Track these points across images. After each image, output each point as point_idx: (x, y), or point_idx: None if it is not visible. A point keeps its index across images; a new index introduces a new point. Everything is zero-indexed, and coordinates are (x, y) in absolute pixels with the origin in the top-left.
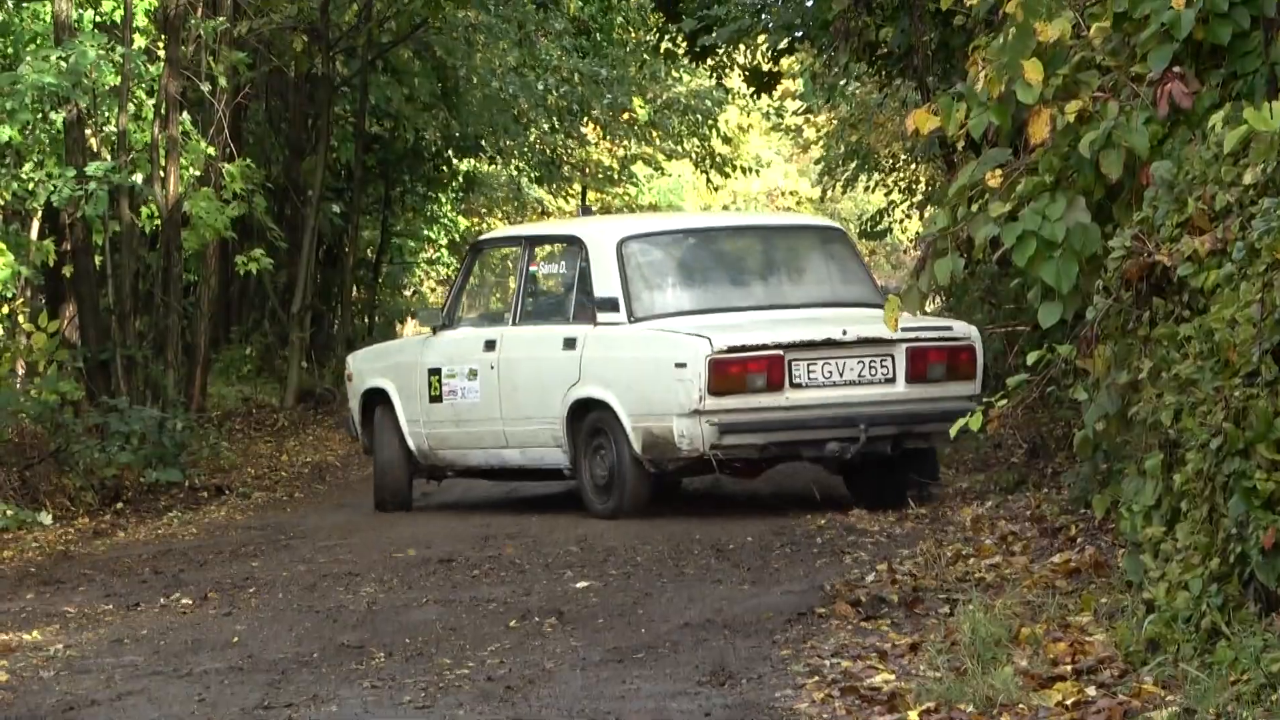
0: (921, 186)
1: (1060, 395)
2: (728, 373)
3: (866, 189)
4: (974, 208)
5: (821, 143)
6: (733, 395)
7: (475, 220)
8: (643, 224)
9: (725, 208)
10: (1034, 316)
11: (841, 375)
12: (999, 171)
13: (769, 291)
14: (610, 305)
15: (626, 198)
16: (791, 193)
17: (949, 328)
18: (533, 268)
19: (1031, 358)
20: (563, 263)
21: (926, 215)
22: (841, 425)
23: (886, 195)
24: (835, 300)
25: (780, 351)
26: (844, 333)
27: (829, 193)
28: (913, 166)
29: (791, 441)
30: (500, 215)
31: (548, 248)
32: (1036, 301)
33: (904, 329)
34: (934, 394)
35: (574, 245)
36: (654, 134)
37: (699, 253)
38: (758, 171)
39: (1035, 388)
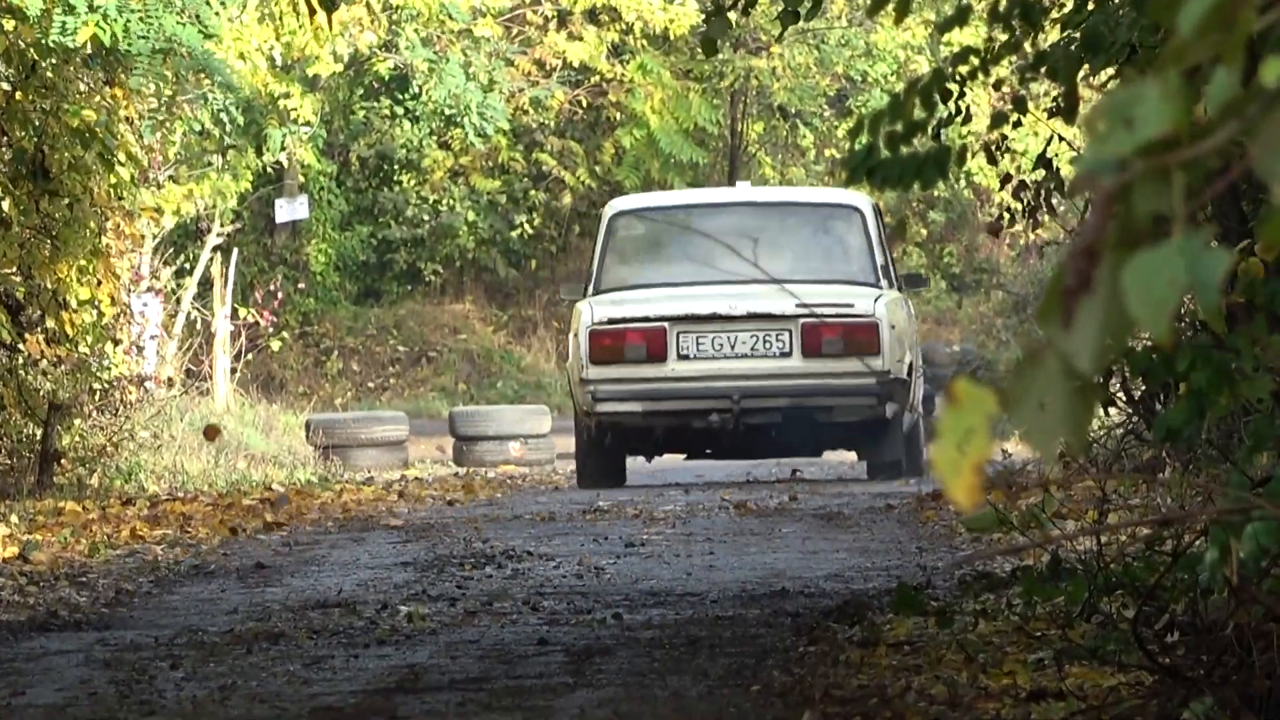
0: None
1: None
2: (603, 344)
3: (846, 22)
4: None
5: None
6: (613, 365)
7: None
8: (639, 200)
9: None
10: None
11: (733, 349)
12: None
13: (735, 267)
14: (586, 277)
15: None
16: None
17: (850, 304)
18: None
19: None
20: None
21: (1090, 107)
22: (719, 398)
23: (933, 37)
24: (814, 278)
25: (662, 324)
26: (731, 307)
27: (733, 37)
28: None
29: (673, 411)
30: None
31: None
32: None
33: (798, 305)
34: (831, 369)
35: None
36: None
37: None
38: None
39: None
